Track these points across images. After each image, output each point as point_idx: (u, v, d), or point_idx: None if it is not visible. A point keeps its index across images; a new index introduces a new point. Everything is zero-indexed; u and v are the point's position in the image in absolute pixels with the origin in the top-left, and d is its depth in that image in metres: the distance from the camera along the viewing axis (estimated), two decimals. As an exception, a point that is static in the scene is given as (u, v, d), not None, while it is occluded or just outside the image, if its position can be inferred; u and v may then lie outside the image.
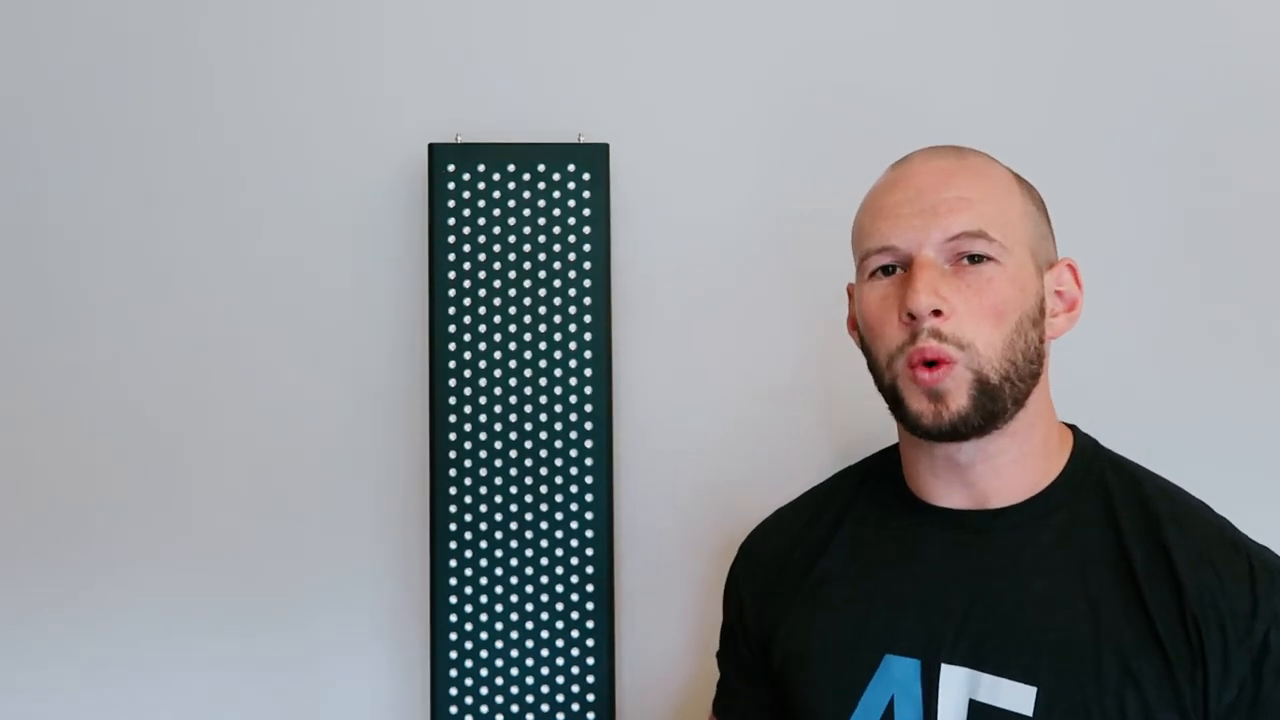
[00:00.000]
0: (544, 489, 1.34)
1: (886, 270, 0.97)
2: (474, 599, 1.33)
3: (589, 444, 1.34)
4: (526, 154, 1.35)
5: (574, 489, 1.33)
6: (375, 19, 1.41)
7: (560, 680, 1.33)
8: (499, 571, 1.33)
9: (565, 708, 1.33)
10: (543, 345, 1.34)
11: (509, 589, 1.33)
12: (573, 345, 1.34)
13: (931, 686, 0.94)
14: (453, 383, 1.34)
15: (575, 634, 1.33)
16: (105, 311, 1.41)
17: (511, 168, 1.35)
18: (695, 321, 1.39)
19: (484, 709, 1.32)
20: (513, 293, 1.34)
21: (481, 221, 1.34)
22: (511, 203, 1.35)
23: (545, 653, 1.33)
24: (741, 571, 1.13)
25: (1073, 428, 1.04)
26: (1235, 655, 0.88)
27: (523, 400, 1.34)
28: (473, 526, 1.33)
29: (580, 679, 1.33)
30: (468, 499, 1.33)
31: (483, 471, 1.33)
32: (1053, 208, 1.03)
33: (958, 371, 0.92)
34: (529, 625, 1.33)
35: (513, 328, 1.34)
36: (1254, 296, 1.35)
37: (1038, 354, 0.96)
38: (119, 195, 1.41)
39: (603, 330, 1.34)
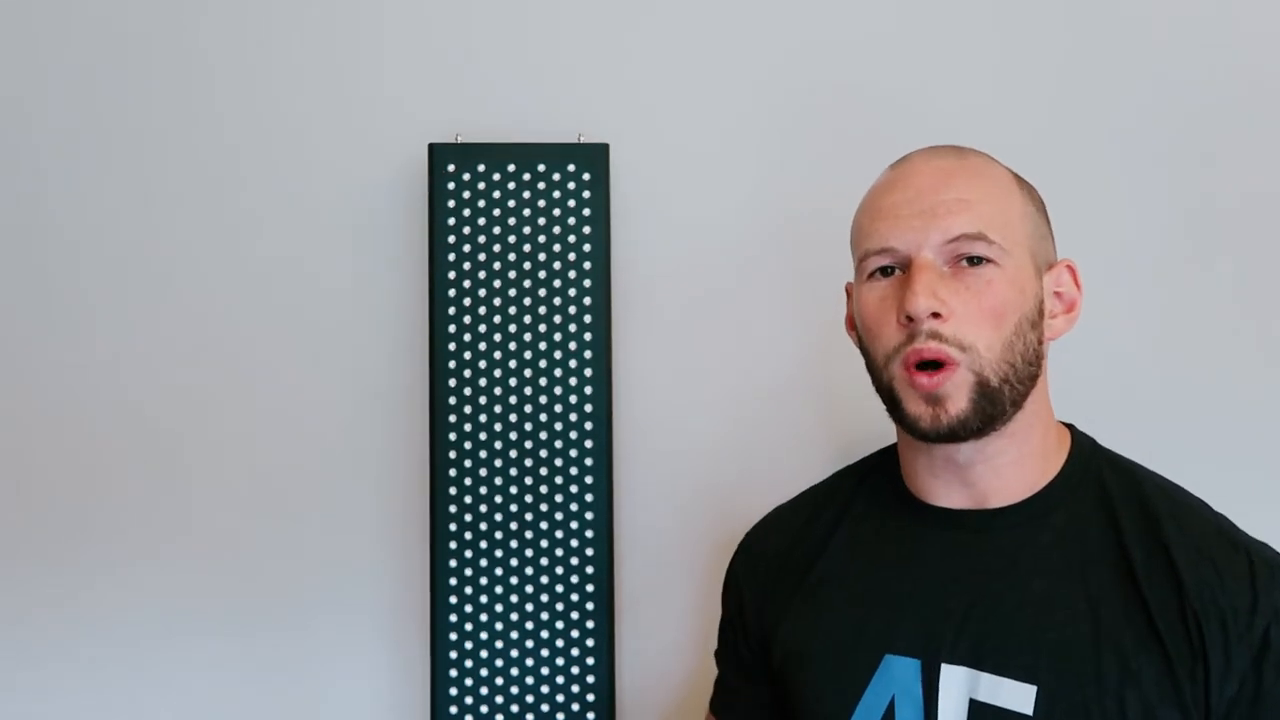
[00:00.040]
0: (544, 489, 1.34)
1: (885, 271, 0.97)
2: (474, 599, 1.33)
3: (589, 444, 1.34)
4: (526, 154, 1.35)
5: (574, 489, 1.33)
6: (375, 19, 1.41)
7: (560, 680, 1.33)
8: (499, 571, 1.33)
9: (565, 708, 1.33)
10: (543, 345, 1.34)
11: (509, 589, 1.33)
12: (573, 345, 1.34)
13: (932, 686, 0.94)
14: (453, 383, 1.34)
15: (575, 634, 1.33)
16: (105, 311, 1.41)
17: (511, 168, 1.35)
18: (695, 321, 1.39)
19: (484, 709, 1.32)
20: (513, 293, 1.34)
21: (481, 221, 1.34)
22: (511, 203, 1.35)
23: (545, 653, 1.33)
24: (741, 568, 1.13)
25: (1070, 427, 1.04)
26: (1236, 650, 0.88)
27: (523, 400, 1.34)
28: (473, 526, 1.33)
29: (580, 679, 1.33)
30: (468, 499, 1.33)
31: (483, 471, 1.33)
32: (1053, 208, 1.03)
33: (959, 374, 0.92)
34: (529, 625, 1.33)
35: (513, 328, 1.34)
36: (1254, 296, 1.35)
37: (1036, 355, 0.96)
38: (119, 195, 1.41)
39: (603, 330, 1.34)
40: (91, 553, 1.40)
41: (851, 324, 1.05)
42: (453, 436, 1.33)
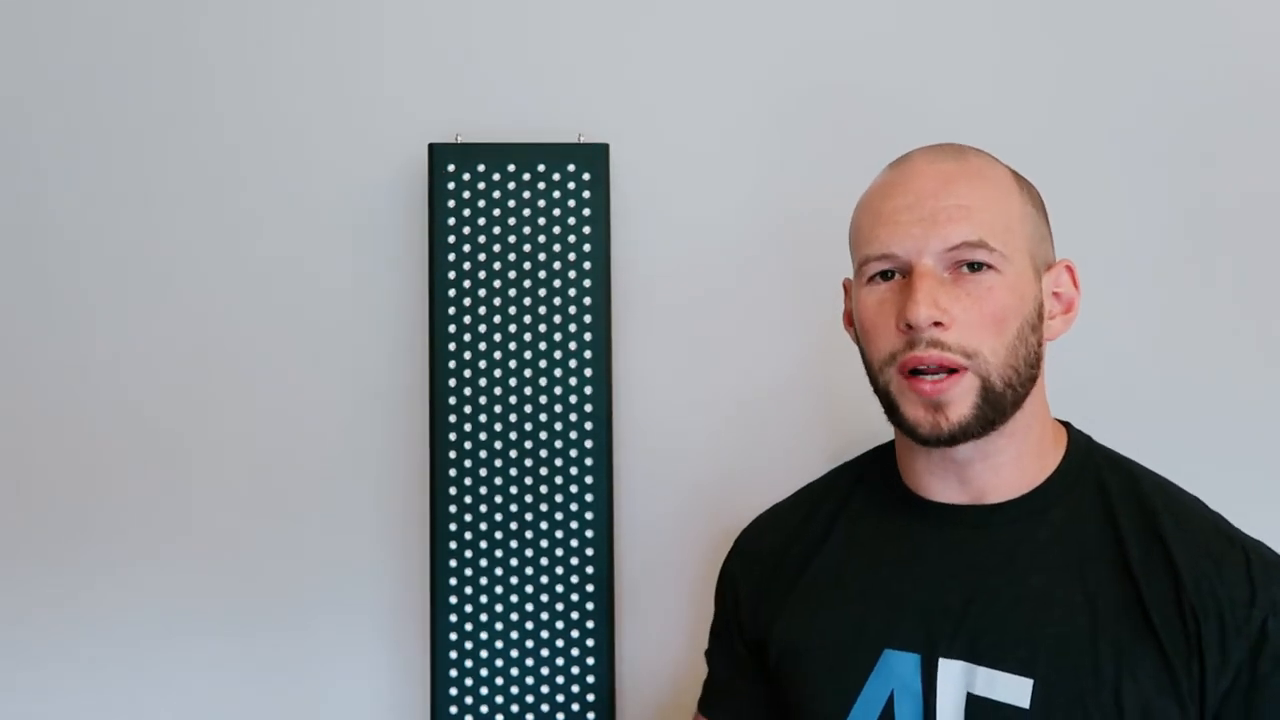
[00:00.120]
0: (544, 489, 1.34)
1: (885, 275, 0.97)
2: (474, 599, 1.33)
3: (589, 444, 1.34)
4: (526, 154, 1.35)
5: (574, 489, 1.33)
6: (375, 19, 1.41)
7: (560, 680, 1.33)
8: (499, 571, 1.33)
9: (565, 708, 1.33)
10: (543, 345, 1.34)
11: (509, 589, 1.33)
12: (573, 345, 1.34)
13: (930, 681, 0.95)
14: (453, 383, 1.34)
15: (575, 634, 1.33)
16: (105, 311, 1.41)
17: (511, 168, 1.35)
18: (695, 321, 1.39)
19: (484, 709, 1.32)
20: (513, 293, 1.34)
21: (481, 221, 1.34)
22: (511, 203, 1.35)
23: (545, 653, 1.33)
24: (736, 568, 1.13)
25: (1066, 425, 1.04)
26: (1233, 643, 0.89)
27: (523, 400, 1.34)
28: (473, 526, 1.33)
29: (580, 679, 1.33)
30: (468, 499, 1.33)
31: (483, 471, 1.33)
32: (1053, 208, 1.03)
33: (965, 380, 0.92)
34: (529, 625, 1.33)
35: (513, 328, 1.34)
36: (1254, 296, 1.35)
37: (1037, 357, 0.97)
38: (119, 195, 1.41)
39: (603, 330, 1.34)
40: (91, 553, 1.40)
41: (849, 320, 1.05)
42: (453, 436, 1.33)
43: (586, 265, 1.34)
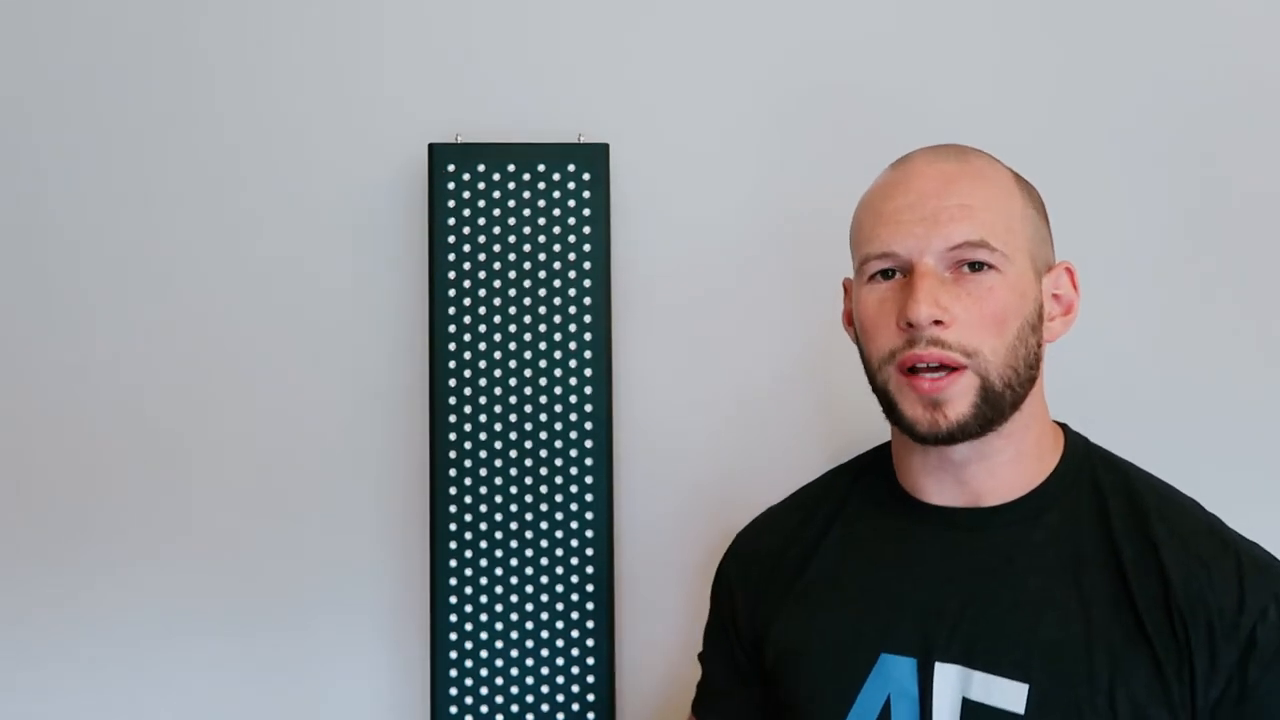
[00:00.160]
0: (544, 489, 1.34)
1: (885, 274, 0.97)
2: (474, 599, 1.33)
3: (589, 444, 1.34)
4: (526, 154, 1.35)
5: (574, 489, 1.33)
6: (375, 19, 1.41)
7: (560, 680, 1.33)
8: (499, 571, 1.33)
9: (565, 708, 1.33)
10: (543, 345, 1.34)
11: (509, 589, 1.33)
12: (573, 345, 1.34)
13: (927, 685, 0.95)
14: (453, 383, 1.34)
15: (575, 634, 1.33)
16: (105, 311, 1.41)
17: (511, 168, 1.35)
18: (695, 321, 1.39)
19: (484, 709, 1.32)
20: (513, 293, 1.34)
21: (481, 221, 1.34)
22: (511, 203, 1.35)
23: (545, 653, 1.33)
24: (733, 571, 1.13)
25: (1064, 426, 1.04)
26: (1222, 650, 0.89)
27: (523, 400, 1.34)
28: (473, 526, 1.33)
29: (580, 679, 1.33)
30: (468, 499, 1.33)
31: (483, 471, 1.33)
32: (1053, 208, 1.03)
33: (965, 379, 0.92)
34: (529, 625, 1.33)
35: (513, 328, 1.34)
36: (1254, 296, 1.35)
37: (1036, 358, 0.97)
38: (119, 195, 1.41)
39: (603, 330, 1.34)
40: (91, 553, 1.40)
41: (849, 319, 1.05)
42: (453, 436, 1.33)
43: (586, 265, 1.34)
